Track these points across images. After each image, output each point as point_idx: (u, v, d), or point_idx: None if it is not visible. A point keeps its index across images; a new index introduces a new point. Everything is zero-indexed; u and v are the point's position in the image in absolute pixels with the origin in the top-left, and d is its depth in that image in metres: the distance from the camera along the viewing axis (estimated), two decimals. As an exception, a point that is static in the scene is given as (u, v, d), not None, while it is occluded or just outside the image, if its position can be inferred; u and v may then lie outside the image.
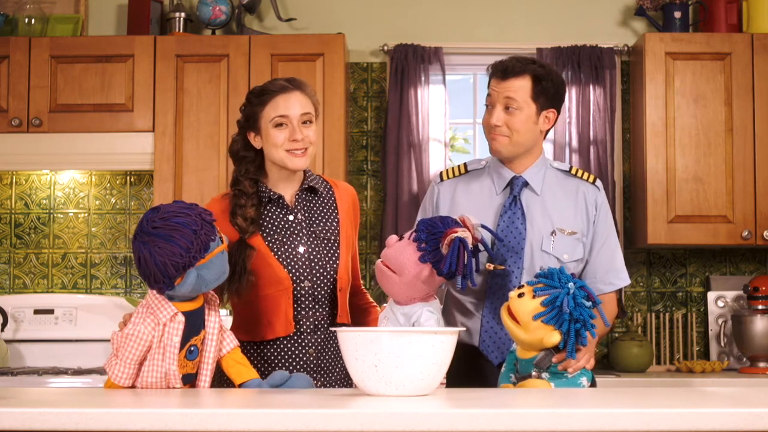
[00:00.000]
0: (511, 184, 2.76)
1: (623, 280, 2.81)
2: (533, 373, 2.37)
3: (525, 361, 2.39)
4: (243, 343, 2.59)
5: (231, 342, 2.42)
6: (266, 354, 2.64)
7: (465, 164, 2.88)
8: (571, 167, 2.85)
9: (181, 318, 2.26)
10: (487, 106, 2.78)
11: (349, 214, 2.77)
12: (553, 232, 2.72)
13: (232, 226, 2.60)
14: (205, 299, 2.36)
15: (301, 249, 2.65)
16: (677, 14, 4.30)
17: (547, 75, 2.74)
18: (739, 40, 4.16)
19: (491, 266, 2.65)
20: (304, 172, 2.73)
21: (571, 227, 2.74)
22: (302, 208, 2.70)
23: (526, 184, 2.76)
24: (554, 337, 2.30)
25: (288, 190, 2.70)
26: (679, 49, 4.17)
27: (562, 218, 2.75)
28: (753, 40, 4.16)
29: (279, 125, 2.61)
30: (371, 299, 2.89)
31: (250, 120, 2.66)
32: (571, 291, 2.30)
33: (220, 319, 2.38)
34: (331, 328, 2.66)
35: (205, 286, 2.29)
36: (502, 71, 2.74)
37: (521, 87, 2.71)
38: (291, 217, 2.68)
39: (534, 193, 2.76)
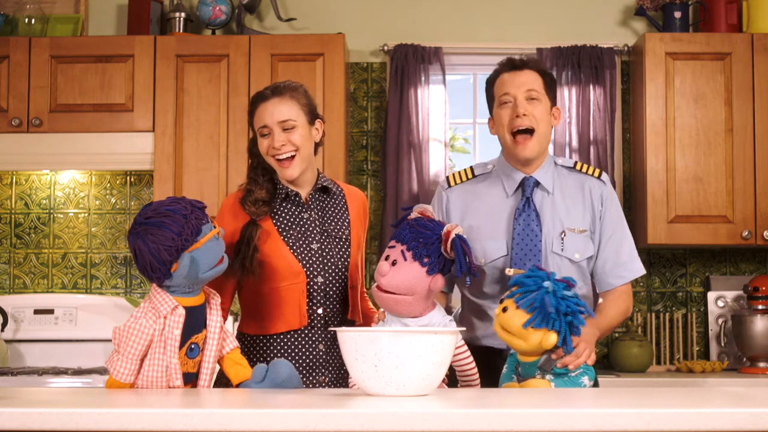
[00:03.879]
0: (522, 185, 2.74)
1: (634, 271, 2.79)
2: (537, 376, 2.37)
3: (527, 365, 2.38)
4: (253, 337, 2.62)
5: (231, 342, 2.43)
6: (276, 347, 2.66)
7: (471, 168, 2.85)
8: (575, 163, 2.83)
9: (181, 311, 2.28)
10: (503, 104, 2.73)
11: (360, 217, 2.81)
12: (562, 233, 2.71)
13: (246, 213, 2.66)
14: (206, 298, 2.36)
15: (314, 245, 2.69)
16: (677, 14, 4.30)
17: (547, 72, 2.78)
18: (739, 40, 4.16)
19: (511, 271, 2.59)
20: (318, 173, 2.78)
21: (580, 225, 2.73)
22: (316, 206, 2.75)
23: (537, 184, 2.74)
24: (551, 338, 2.30)
25: (303, 189, 2.75)
26: (679, 49, 4.17)
27: (571, 217, 2.74)
28: (753, 40, 4.16)
29: (263, 135, 2.68)
30: (372, 305, 2.91)
31: (252, 127, 2.75)
32: (550, 289, 2.30)
33: (221, 319, 2.38)
34: (330, 328, 2.68)
35: (200, 271, 2.28)
36: (516, 64, 2.75)
37: (536, 78, 2.73)
38: (305, 215, 2.72)
39: (546, 193, 2.75)
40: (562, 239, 2.71)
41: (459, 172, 2.85)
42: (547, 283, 2.30)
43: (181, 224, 2.25)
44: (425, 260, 2.43)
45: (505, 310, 2.33)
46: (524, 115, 2.69)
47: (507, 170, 2.77)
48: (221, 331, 2.38)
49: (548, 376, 2.36)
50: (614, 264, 2.77)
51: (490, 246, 2.71)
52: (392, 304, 2.47)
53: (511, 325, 2.32)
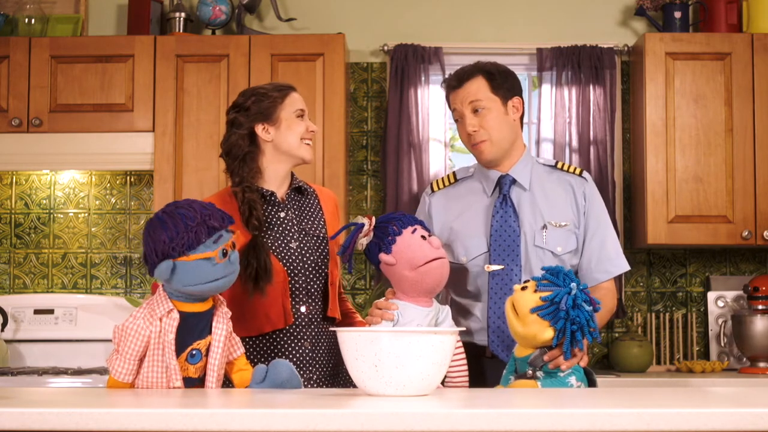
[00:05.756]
0: (499, 183, 2.80)
1: (619, 267, 2.82)
2: (528, 372, 2.37)
3: (521, 360, 2.40)
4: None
5: (238, 349, 2.43)
6: (263, 348, 2.68)
7: (454, 173, 2.92)
8: (557, 162, 2.88)
9: (175, 315, 2.27)
10: (456, 120, 2.82)
11: (334, 217, 2.86)
12: (544, 226, 2.75)
13: (243, 225, 2.64)
14: (214, 304, 2.35)
15: (293, 245, 2.72)
16: (677, 14, 4.30)
17: (495, 68, 2.81)
18: (739, 40, 4.16)
19: (489, 267, 2.70)
20: (292, 174, 2.81)
21: (561, 219, 2.77)
22: (292, 206, 2.77)
23: (514, 181, 2.79)
24: (547, 333, 2.31)
25: (279, 189, 2.78)
26: (679, 49, 4.17)
27: (552, 211, 2.77)
28: (753, 40, 4.16)
29: (299, 116, 2.75)
30: (351, 306, 2.95)
31: (266, 112, 2.73)
32: (573, 291, 2.30)
33: (228, 326, 2.36)
34: (330, 328, 2.71)
35: (182, 284, 2.25)
36: (456, 80, 2.81)
37: (479, 87, 2.78)
38: (282, 214, 2.74)
39: (523, 189, 2.79)
40: (544, 233, 2.74)
41: (443, 177, 2.93)
42: (573, 285, 2.31)
43: (178, 232, 2.23)
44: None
45: (524, 288, 2.34)
46: (474, 131, 2.76)
47: (485, 171, 2.84)
48: (228, 338, 2.36)
49: (539, 373, 2.36)
50: (599, 258, 2.79)
51: (471, 244, 2.76)
52: (448, 270, 2.57)
53: (521, 304, 2.33)
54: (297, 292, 2.70)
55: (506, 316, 2.39)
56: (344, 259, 2.60)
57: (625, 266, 2.83)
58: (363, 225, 2.54)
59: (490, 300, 2.71)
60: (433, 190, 2.90)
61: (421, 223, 2.58)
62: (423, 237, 2.53)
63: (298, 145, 2.74)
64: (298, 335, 2.69)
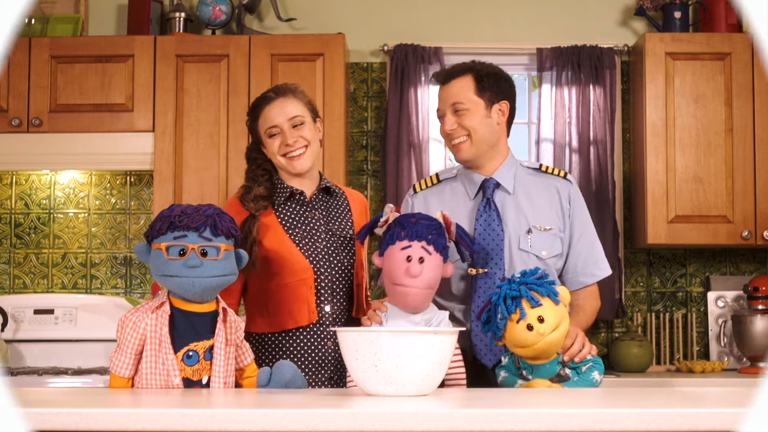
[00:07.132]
0: (483, 187, 2.78)
1: (604, 270, 2.82)
2: (562, 372, 2.37)
3: (541, 367, 2.38)
4: (262, 336, 2.64)
5: (248, 357, 2.43)
6: (286, 345, 2.69)
7: (437, 174, 2.91)
8: (540, 165, 2.87)
9: (166, 309, 2.28)
10: (439, 117, 2.82)
11: (362, 218, 2.86)
12: (529, 230, 2.75)
13: (246, 210, 2.70)
14: (217, 309, 2.33)
15: (320, 243, 2.73)
16: (677, 14, 4.30)
17: (486, 70, 2.80)
18: (739, 40, 4.16)
19: (473, 270, 2.69)
20: (320, 175, 2.83)
21: (546, 223, 2.76)
22: (320, 206, 2.79)
23: (497, 185, 2.78)
24: (564, 293, 2.34)
25: (307, 188, 2.80)
26: (679, 49, 4.17)
27: (537, 215, 2.77)
28: (753, 40, 4.16)
29: (272, 135, 2.73)
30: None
31: (253, 135, 2.80)
32: (507, 278, 2.37)
33: (236, 335, 2.35)
34: (330, 328, 2.70)
35: (152, 273, 2.31)
36: (444, 76, 2.81)
37: (463, 86, 2.77)
38: (309, 214, 2.77)
39: (507, 193, 2.78)
40: (529, 237, 2.73)
41: (426, 179, 2.92)
42: (503, 281, 2.38)
43: (160, 221, 2.29)
44: (443, 250, 2.47)
45: (541, 320, 2.29)
46: (452, 129, 2.76)
47: (468, 174, 2.82)
48: (231, 346, 2.34)
49: (568, 371, 2.36)
50: (586, 262, 2.79)
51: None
52: (422, 300, 2.46)
53: (556, 320, 2.31)
54: (322, 291, 2.70)
55: (548, 352, 2.34)
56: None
57: (608, 269, 2.85)
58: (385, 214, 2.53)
59: (473, 303, 2.70)
60: (415, 191, 2.89)
61: (428, 239, 2.44)
62: (409, 258, 2.41)
63: (283, 162, 2.74)
64: (322, 334, 2.70)
